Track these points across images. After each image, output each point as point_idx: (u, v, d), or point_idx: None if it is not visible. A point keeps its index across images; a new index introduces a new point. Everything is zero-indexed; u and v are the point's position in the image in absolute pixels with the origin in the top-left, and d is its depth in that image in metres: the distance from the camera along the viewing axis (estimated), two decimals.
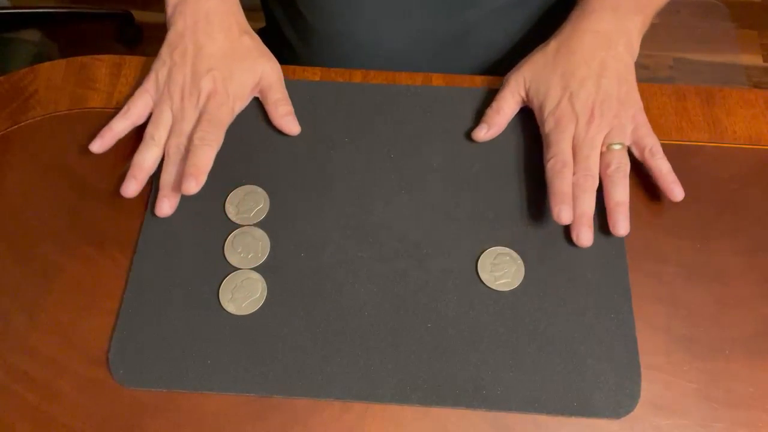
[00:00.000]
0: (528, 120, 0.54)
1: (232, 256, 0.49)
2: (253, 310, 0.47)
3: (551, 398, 0.44)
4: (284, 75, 0.57)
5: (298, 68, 0.58)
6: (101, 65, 0.59)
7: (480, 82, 0.57)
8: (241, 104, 0.54)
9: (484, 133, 0.53)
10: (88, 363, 0.45)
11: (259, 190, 0.51)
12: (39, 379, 0.45)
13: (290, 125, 0.54)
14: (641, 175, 0.52)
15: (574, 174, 0.49)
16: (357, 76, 0.58)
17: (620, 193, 0.49)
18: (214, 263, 0.49)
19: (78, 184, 0.52)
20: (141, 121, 0.53)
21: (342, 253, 0.49)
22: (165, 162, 0.51)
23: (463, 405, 0.44)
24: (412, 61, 0.66)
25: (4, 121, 0.56)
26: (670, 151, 0.53)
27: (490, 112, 0.53)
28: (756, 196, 0.51)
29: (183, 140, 0.51)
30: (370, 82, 0.57)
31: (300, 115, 0.55)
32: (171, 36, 0.54)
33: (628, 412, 0.43)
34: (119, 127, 0.53)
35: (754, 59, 1.52)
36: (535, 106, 0.53)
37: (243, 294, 0.47)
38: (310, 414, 0.44)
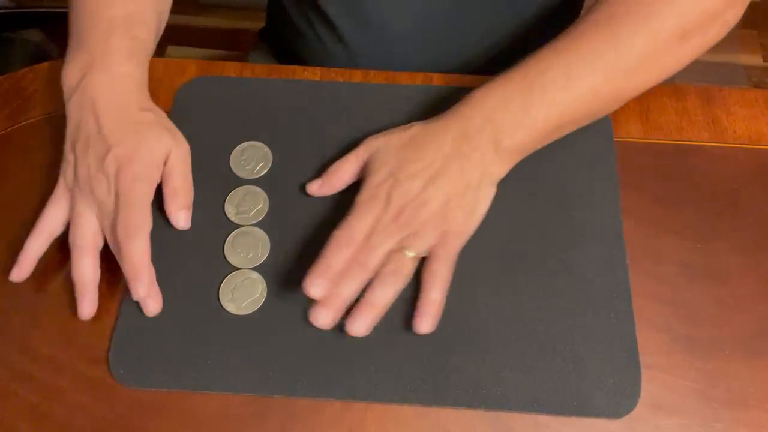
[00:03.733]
0: None
1: (232, 256, 0.49)
2: (253, 310, 0.47)
3: (551, 398, 0.44)
4: (284, 75, 0.58)
5: (298, 68, 0.58)
6: None
7: (480, 82, 0.57)
8: (158, 174, 0.49)
9: (316, 188, 0.50)
10: (88, 363, 0.45)
11: (259, 190, 0.51)
12: (39, 379, 0.45)
13: (181, 221, 0.49)
14: (640, 176, 0.52)
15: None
16: (357, 76, 0.58)
17: (379, 296, 0.44)
18: (214, 263, 0.49)
19: None
20: (58, 232, 0.49)
21: None
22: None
23: (463, 405, 0.44)
24: (417, 42, 0.65)
25: (4, 121, 0.56)
26: (670, 151, 0.53)
27: (330, 170, 0.50)
28: (756, 196, 0.51)
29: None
30: (370, 82, 0.57)
31: (300, 114, 0.55)
32: (68, 131, 0.49)
33: (628, 412, 0.43)
34: (34, 246, 0.47)
35: (754, 59, 1.51)
36: (365, 174, 0.49)
37: (243, 294, 0.47)
38: (310, 414, 0.44)
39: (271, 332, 0.46)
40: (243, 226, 0.50)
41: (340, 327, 0.46)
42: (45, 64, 0.59)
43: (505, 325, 0.46)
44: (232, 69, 0.58)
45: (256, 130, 0.54)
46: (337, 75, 0.58)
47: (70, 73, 0.50)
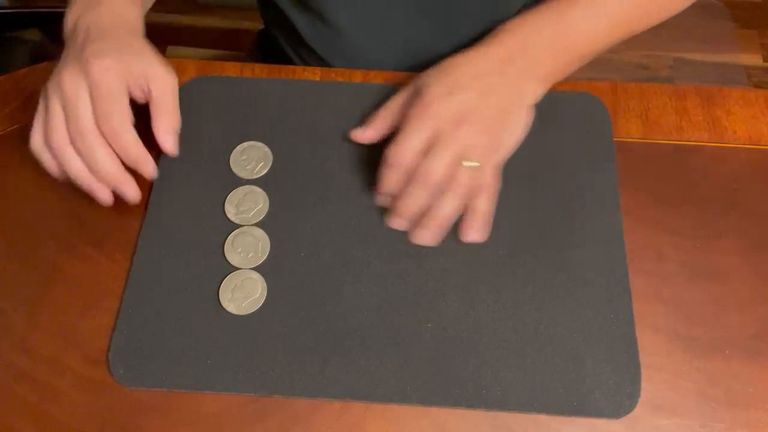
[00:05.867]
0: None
1: (232, 256, 0.49)
2: (253, 310, 0.47)
3: (551, 398, 0.44)
4: (284, 75, 0.58)
5: (298, 68, 0.58)
6: None
7: None
8: (132, 79, 0.47)
9: (360, 133, 0.52)
10: (87, 363, 0.45)
11: (259, 190, 0.51)
12: (39, 379, 0.45)
13: (170, 144, 0.49)
14: (640, 176, 0.52)
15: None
16: (357, 76, 0.58)
17: (444, 207, 0.47)
18: (214, 263, 0.49)
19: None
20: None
21: (342, 253, 0.49)
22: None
23: (463, 405, 0.44)
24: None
25: (4, 121, 0.56)
26: (670, 151, 0.53)
27: (381, 110, 0.52)
28: (756, 196, 0.51)
29: (86, 135, 0.46)
30: (370, 82, 0.57)
31: (300, 115, 0.55)
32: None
33: (628, 412, 0.43)
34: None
35: (754, 59, 1.51)
36: (415, 96, 0.50)
37: (243, 294, 0.47)
38: (310, 414, 0.44)
39: (271, 332, 0.46)
40: (243, 226, 0.50)
41: (341, 328, 0.46)
42: (45, 64, 0.59)
43: (505, 325, 0.46)
44: (231, 69, 0.58)
45: (256, 130, 0.54)
46: (337, 75, 0.58)
47: (69, 19, 0.51)
